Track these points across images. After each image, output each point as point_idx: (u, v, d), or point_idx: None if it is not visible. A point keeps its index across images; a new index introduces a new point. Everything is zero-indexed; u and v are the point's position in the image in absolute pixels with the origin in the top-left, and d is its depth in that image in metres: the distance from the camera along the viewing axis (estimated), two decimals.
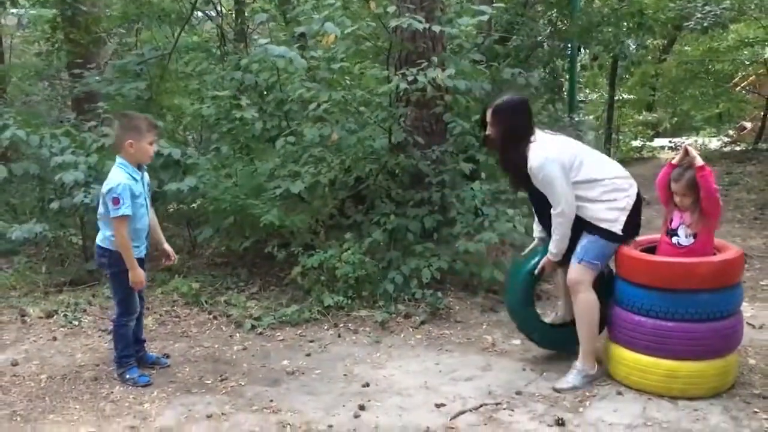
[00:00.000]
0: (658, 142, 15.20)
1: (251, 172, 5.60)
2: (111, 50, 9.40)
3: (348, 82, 5.81)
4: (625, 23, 8.54)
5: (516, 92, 4.12)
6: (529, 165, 3.61)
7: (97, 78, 6.96)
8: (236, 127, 5.75)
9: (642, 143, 14.74)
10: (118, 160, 3.73)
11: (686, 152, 3.47)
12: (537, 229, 4.05)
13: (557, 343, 4.04)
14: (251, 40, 7.94)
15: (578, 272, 3.66)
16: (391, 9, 4.83)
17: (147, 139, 3.71)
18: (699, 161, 3.40)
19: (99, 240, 3.82)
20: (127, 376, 3.77)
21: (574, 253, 3.69)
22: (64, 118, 7.18)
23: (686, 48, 16.12)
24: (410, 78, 4.73)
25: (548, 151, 3.61)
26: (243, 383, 3.78)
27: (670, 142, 14.40)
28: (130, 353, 3.86)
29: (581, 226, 3.68)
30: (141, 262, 3.80)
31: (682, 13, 10.49)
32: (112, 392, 3.67)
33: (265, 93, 5.90)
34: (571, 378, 3.66)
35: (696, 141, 14.30)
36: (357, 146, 5.33)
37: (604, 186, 3.62)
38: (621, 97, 16.19)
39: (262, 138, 5.92)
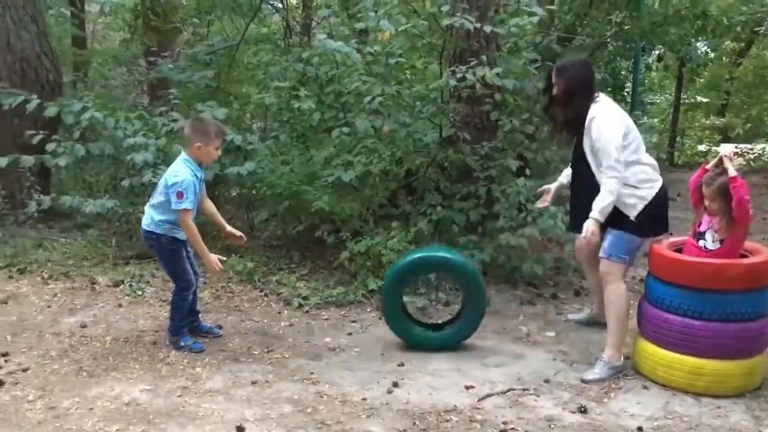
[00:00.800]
0: (724, 147, 14.80)
1: (307, 159, 5.87)
2: (185, 39, 9.87)
3: (408, 76, 6.00)
4: (690, 25, 8.44)
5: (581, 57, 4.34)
6: (589, 121, 3.76)
7: (169, 66, 7.37)
8: (295, 117, 6.03)
9: (708, 148, 14.40)
10: (183, 156, 4.00)
11: (721, 161, 3.54)
12: (566, 173, 4.24)
13: (429, 344, 4.17)
14: (314, 34, 8.23)
15: (607, 266, 3.83)
16: (446, 8, 5.00)
17: (214, 144, 4.00)
18: (732, 172, 3.45)
19: (145, 224, 4.06)
20: (182, 344, 4.09)
21: (602, 249, 3.85)
22: (138, 103, 7.62)
23: (765, 52, 15.64)
24: (459, 75, 4.91)
25: (614, 113, 3.79)
26: (287, 356, 4.05)
27: (736, 147, 14.03)
28: (184, 324, 4.19)
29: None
30: (184, 243, 4.10)
31: (753, 18, 10.27)
32: (168, 356, 4.00)
33: (324, 85, 6.16)
34: (598, 369, 3.79)
35: (765, 148, 13.85)
36: (408, 139, 5.53)
37: (637, 169, 3.77)
38: (691, 100, 15.84)
39: (319, 128, 6.19)
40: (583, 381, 3.75)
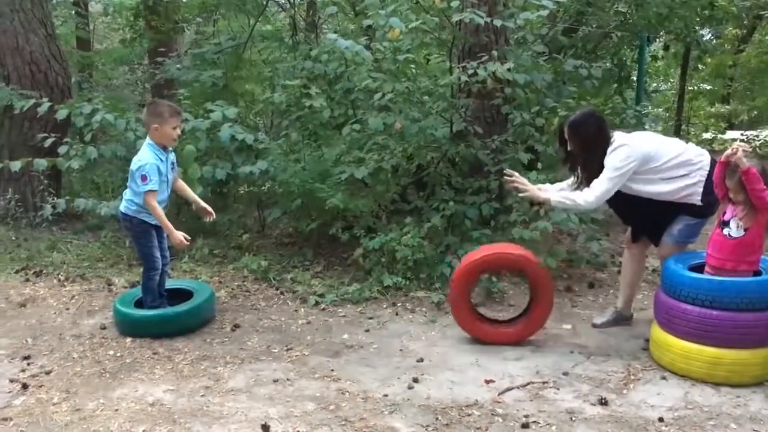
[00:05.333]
0: (730, 134, 14.80)
1: (318, 157, 5.89)
2: (189, 38, 9.87)
3: (413, 70, 6.02)
4: (696, 14, 8.41)
5: (584, 107, 4.53)
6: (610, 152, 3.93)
7: (177, 66, 7.38)
8: (305, 115, 6.05)
9: (713, 135, 14.40)
10: (147, 140, 4.20)
11: (734, 153, 3.56)
12: (555, 186, 4.35)
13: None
14: (321, 31, 8.23)
15: (673, 249, 4.07)
16: (455, 3, 5.01)
17: (170, 124, 4.17)
18: (743, 165, 3.49)
19: (121, 207, 4.34)
20: None
21: (669, 234, 4.09)
22: (147, 103, 7.63)
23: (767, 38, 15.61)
24: (471, 71, 4.92)
25: (630, 143, 3.94)
26: (306, 353, 4.08)
27: (742, 135, 14.02)
28: (156, 303, 4.40)
29: (675, 209, 4.01)
30: (158, 228, 4.30)
31: (758, 3, 10.24)
32: (189, 356, 4.03)
33: (333, 82, 6.18)
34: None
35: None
36: (419, 135, 5.54)
37: (677, 166, 3.94)
38: (695, 88, 15.81)
39: (329, 125, 6.22)
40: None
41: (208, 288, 4.68)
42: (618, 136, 4.00)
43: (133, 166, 4.14)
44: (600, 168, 3.97)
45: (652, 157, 3.91)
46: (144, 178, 4.06)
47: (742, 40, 15.46)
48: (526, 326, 4.20)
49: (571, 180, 4.28)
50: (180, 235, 4.20)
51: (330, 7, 6.56)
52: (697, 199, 3.89)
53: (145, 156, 4.13)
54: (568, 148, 4.13)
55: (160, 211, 4.16)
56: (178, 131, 4.28)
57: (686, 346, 3.61)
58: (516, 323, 4.27)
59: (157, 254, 4.36)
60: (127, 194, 4.30)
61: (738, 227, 3.64)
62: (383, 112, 5.47)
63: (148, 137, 4.22)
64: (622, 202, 4.14)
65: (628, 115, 7.21)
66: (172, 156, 4.37)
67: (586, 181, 4.13)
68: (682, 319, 3.63)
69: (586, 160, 4.07)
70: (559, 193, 4.11)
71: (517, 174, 4.25)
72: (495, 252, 4.16)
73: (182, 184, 4.55)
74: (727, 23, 10.19)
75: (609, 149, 3.94)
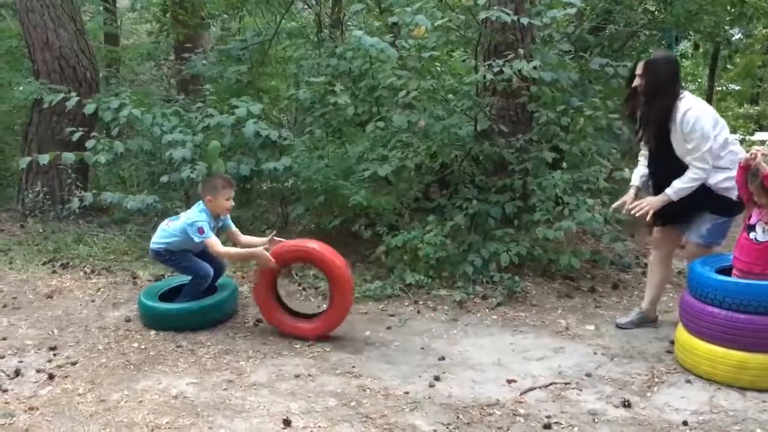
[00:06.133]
0: (759, 135, 14.58)
1: (342, 154, 5.91)
2: (214, 34, 9.94)
3: (438, 68, 6.02)
4: (726, 12, 8.30)
5: (668, 52, 4.46)
6: (681, 115, 3.86)
7: (203, 62, 7.43)
8: (329, 112, 6.06)
9: (742, 137, 14.18)
10: (201, 206, 4.34)
11: (753, 157, 3.51)
12: (637, 176, 4.28)
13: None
14: (346, 27, 8.25)
15: (702, 250, 4.02)
16: (482, 1, 4.99)
17: (223, 196, 4.34)
18: (764, 169, 3.46)
19: (152, 246, 4.49)
20: None
21: (698, 234, 4.05)
22: (174, 98, 7.70)
23: None
24: (496, 69, 4.90)
25: (702, 106, 3.91)
26: (328, 349, 4.09)
27: None
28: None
29: (706, 204, 3.96)
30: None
31: None
32: (212, 350, 4.06)
33: (357, 79, 6.18)
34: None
35: None
36: (443, 133, 5.53)
37: (728, 153, 3.91)
38: (723, 88, 15.60)
39: (353, 122, 6.22)
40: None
41: (231, 283, 4.72)
42: (687, 95, 3.97)
43: (187, 220, 4.30)
44: (662, 115, 3.91)
45: (717, 120, 3.91)
46: (201, 230, 4.23)
47: None
48: (321, 323, 4.23)
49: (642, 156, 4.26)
50: (262, 255, 4.17)
51: (355, 5, 6.57)
52: (734, 194, 3.85)
53: (198, 216, 4.28)
54: (635, 85, 4.03)
55: (230, 250, 4.42)
56: (231, 202, 4.42)
57: (712, 349, 3.57)
58: (314, 320, 4.30)
59: (200, 263, 4.43)
60: (157, 235, 4.47)
61: (764, 231, 3.60)
62: (407, 110, 5.47)
63: (202, 203, 4.35)
64: (665, 182, 4.05)
65: None
66: (227, 219, 4.51)
67: (645, 125, 4.07)
68: (708, 322, 3.58)
69: (650, 102, 3.98)
70: (674, 188, 3.94)
71: (627, 201, 4.17)
72: (297, 246, 4.25)
73: (247, 239, 4.59)
74: (758, 22, 10.00)
75: (680, 107, 3.87)
